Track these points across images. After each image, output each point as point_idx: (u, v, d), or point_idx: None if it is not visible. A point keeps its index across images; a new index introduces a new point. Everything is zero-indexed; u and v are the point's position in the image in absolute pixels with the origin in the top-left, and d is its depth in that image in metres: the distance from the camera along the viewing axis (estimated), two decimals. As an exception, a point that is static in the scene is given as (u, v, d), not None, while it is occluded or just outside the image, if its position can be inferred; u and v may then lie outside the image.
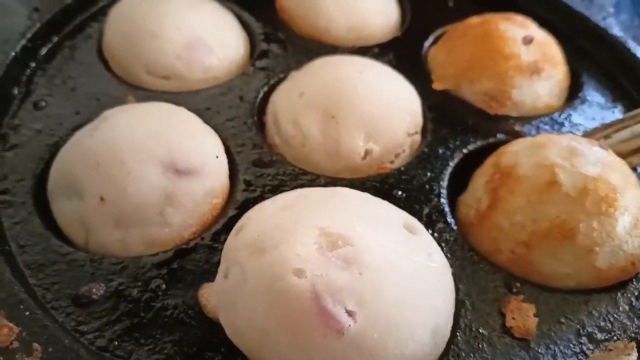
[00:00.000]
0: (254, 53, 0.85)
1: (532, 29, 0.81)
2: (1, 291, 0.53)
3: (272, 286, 0.51)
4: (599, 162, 0.61)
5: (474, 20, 0.83)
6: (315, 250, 0.52)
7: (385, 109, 0.71)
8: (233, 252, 0.56)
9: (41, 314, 0.52)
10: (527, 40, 0.78)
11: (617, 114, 0.80)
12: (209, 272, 0.59)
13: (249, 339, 0.52)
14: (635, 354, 0.53)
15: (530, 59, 0.77)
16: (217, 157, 0.66)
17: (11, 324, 0.50)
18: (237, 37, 0.85)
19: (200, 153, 0.65)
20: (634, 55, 0.83)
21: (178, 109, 0.69)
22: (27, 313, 0.51)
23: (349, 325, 0.49)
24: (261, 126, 0.75)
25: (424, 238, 0.59)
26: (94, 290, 0.56)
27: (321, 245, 0.52)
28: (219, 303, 0.55)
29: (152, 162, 0.62)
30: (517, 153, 0.64)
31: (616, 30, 0.86)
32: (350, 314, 0.49)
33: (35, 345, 0.49)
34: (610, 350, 0.55)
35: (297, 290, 0.50)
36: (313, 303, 0.49)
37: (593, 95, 0.83)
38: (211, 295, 0.56)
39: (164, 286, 0.57)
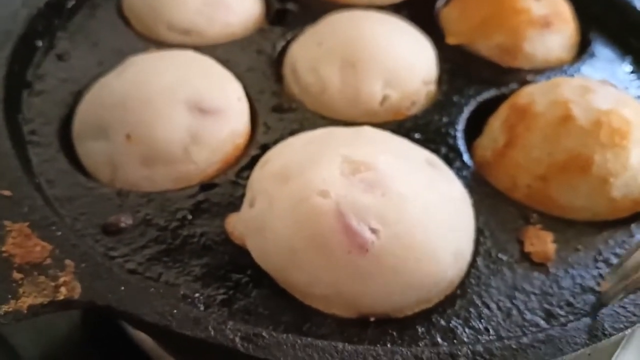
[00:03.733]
0: (270, 12, 0.87)
1: (543, -14, 0.84)
2: (34, 215, 0.54)
3: (298, 208, 0.52)
4: (611, 97, 0.62)
5: (486, -21, 0.85)
6: (339, 174, 0.54)
7: (403, 58, 0.73)
8: (259, 182, 0.58)
9: (73, 236, 0.53)
10: (538, -4, 0.80)
11: (625, 66, 0.83)
12: (233, 205, 0.60)
13: (276, 260, 0.53)
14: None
15: (540, 13, 0.79)
16: (239, 99, 0.68)
17: (44, 243, 0.52)
18: (253, -4, 0.87)
19: (224, 95, 0.66)
20: (640, 14, 0.86)
21: (201, 56, 0.70)
22: (59, 233, 0.53)
23: (373, 242, 0.51)
24: (279, 79, 0.77)
25: (444, 171, 0.60)
26: (122, 219, 0.58)
27: (344, 171, 0.54)
28: (245, 230, 0.56)
29: (178, 101, 0.63)
30: (533, 93, 0.66)
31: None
32: (373, 231, 0.51)
33: (68, 261, 0.50)
34: (627, 272, 0.56)
35: (322, 210, 0.51)
36: (338, 221, 0.51)
37: (601, 50, 0.84)
38: (238, 223, 0.58)
39: (190, 216, 0.59)
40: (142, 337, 0.72)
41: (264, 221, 0.54)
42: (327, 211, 0.51)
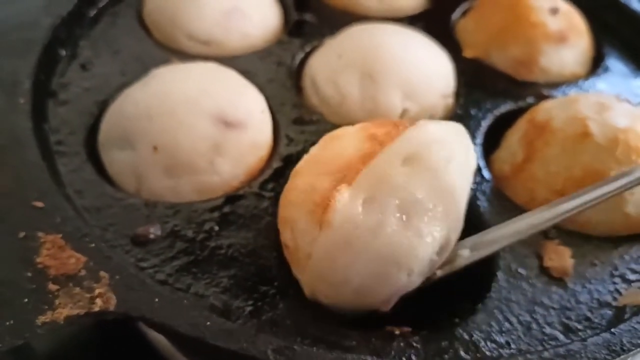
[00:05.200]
0: (288, 23, 0.88)
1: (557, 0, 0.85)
2: (67, 226, 0.55)
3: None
4: (628, 114, 0.64)
5: (502, -8, 0.86)
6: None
7: (422, 71, 0.74)
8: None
9: (105, 247, 0.55)
10: (553, 10, 0.81)
11: (639, 81, 0.84)
12: (258, 217, 0.61)
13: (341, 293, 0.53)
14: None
15: (556, 28, 0.81)
16: (262, 112, 0.69)
17: (78, 254, 0.53)
18: (272, 8, 0.88)
19: (247, 107, 0.68)
20: (654, 28, 0.87)
21: (224, 68, 0.72)
22: (92, 245, 0.54)
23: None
24: (298, 90, 0.78)
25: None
26: (151, 230, 0.59)
27: None
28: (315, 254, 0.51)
29: (202, 114, 0.64)
30: (550, 109, 0.67)
31: (636, 5, 0.90)
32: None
33: (102, 273, 0.52)
34: (643, 288, 0.58)
35: None
36: None
37: (616, 64, 0.86)
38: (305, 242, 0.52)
39: (216, 228, 0.60)
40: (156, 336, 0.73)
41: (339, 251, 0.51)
42: None
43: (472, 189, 0.64)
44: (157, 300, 0.50)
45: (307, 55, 0.82)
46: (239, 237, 0.59)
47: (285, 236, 0.55)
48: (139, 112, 0.65)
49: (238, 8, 0.82)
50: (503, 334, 0.54)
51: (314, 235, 0.50)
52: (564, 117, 0.65)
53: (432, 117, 0.75)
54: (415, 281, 0.52)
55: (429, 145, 0.53)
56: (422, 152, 0.52)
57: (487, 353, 0.52)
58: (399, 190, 0.50)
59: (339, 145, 0.55)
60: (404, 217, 0.50)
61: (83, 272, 0.52)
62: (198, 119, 0.64)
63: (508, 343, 0.53)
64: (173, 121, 0.64)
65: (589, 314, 0.56)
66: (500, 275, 0.58)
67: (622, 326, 0.52)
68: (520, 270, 0.59)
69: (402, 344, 0.52)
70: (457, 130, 0.58)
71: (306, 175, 0.54)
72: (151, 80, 0.68)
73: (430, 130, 0.55)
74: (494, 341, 0.53)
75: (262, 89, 0.73)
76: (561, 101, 0.69)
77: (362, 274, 0.50)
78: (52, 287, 0.50)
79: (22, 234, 0.54)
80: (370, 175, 0.50)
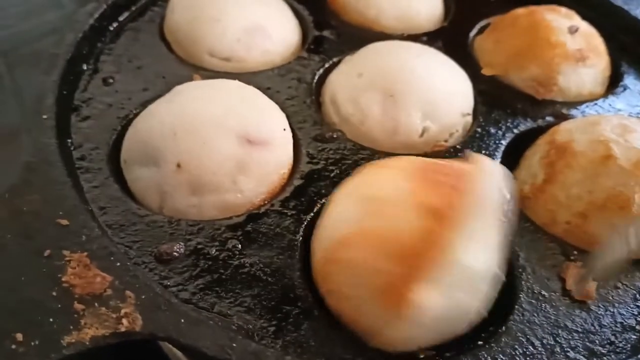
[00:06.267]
0: (307, 40, 0.88)
1: (577, 19, 0.85)
2: (92, 244, 0.55)
3: None
4: (651, 137, 0.64)
5: (521, 11, 0.87)
6: None
7: (442, 90, 0.74)
8: None
9: (131, 266, 0.55)
10: (573, 30, 0.82)
11: (658, 102, 0.84)
12: (281, 235, 0.61)
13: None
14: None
15: (575, 47, 0.81)
16: (284, 129, 0.69)
17: (104, 274, 0.53)
18: (291, 24, 0.89)
19: (270, 126, 0.68)
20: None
21: (246, 86, 0.72)
22: (118, 264, 0.54)
23: None
24: (318, 106, 0.78)
25: None
26: (175, 248, 0.59)
27: None
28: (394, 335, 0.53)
29: (227, 133, 0.65)
30: (572, 130, 0.68)
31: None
32: None
33: (128, 292, 0.52)
34: (667, 312, 0.58)
35: None
36: None
37: (634, 83, 0.86)
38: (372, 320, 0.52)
39: (239, 246, 0.60)
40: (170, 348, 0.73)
41: None
42: None
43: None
44: (183, 320, 0.50)
45: (328, 71, 0.82)
46: (262, 256, 0.60)
47: (334, 303, 0.55)
48: (163, 129, 0.65)
49: (259, 25, 0.83)
50: (527, 358, 0.54)
51: (384, 319, 0.51)
52: (585, 139, 0.65)
53: (451, 135, 0.75)
54: None
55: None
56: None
57: (512, 377, 0.52)
58: (477, 274, 0.50)
59: (391, 214, 0.51)
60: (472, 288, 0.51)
61: (109, 292, 0.52)
62: (222, 137, 0.64)
63: (532, 367, 0.53)
64: (197, 140, 0.64)
65: (612, 338, 0.56)
66: (523, 297, 0.58)
67: (647, 352, 0.52)
68: (543, 292, 0.59)
69: (427, 367, 0.52)
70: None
71: (359, 250, 0.51)
72: (175, 97, 0.69)
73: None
74: (518, 365, 0.53)
75: (283, 105, 0.74)
76: (582, 122, 0.69)
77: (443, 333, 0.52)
78: (78, 306, 0.50)
79: (47, 252, 0.54)
80: (444, 268, 0.48)
